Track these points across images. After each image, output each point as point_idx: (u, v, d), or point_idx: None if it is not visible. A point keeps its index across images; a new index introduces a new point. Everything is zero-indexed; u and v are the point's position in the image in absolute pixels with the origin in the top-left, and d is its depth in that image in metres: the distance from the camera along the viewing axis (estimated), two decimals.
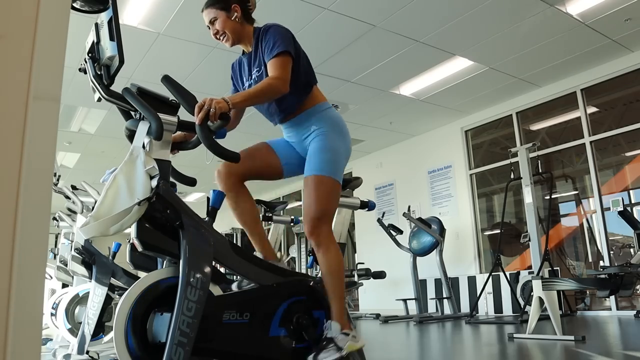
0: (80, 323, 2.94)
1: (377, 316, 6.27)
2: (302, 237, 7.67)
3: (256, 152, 1.96)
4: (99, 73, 1.53)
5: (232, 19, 1.84)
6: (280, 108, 1.90)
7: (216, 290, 1.54)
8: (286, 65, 1.74)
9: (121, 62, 1.49)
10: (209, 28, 1.89)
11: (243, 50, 1.98)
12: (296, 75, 1.82)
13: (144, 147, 1.52)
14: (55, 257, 4.48)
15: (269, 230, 4.43)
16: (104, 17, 1.49)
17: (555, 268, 5.23)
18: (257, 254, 1.86)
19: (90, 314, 2.72)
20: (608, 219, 5.48)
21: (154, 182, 1.46)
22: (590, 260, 6.52)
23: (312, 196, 1.79)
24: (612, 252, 5.66)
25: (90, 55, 1.55)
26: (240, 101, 1.61)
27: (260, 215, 3.72)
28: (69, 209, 3.41)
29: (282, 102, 1.87)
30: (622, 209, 4.70)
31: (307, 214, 1.79)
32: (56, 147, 0.59)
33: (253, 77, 1.89)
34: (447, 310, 6.05)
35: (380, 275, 6.69)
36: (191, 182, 1.77)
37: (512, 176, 5.53)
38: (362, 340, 1.72)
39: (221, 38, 1.88)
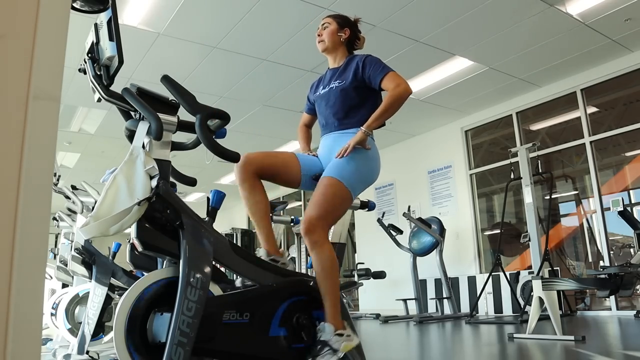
0: (80, 323, 2.94)
1: (377, 316, 6.27)
2: (303, 237, 7.66)
3: (279, 153, 2.10)
4: (98, 73, 1.53)
5: (338, 34, 2.17)
6: (345, 117, 2.06)
7: (216, 290, 1.54)
8: (398, 75, 2.00)
9: (120, 62, 1.49)
10: (318, 28, 2.20)
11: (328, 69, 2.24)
12: (377, 98, 2.10)
13: (143, 147, 1.52)
14: (55, 257, 4.48)
15: None
16: (103, 18, 1.49)
17: (555, 268, 5.23)
18: (262, 250, 1.86)
19: (90, 314, 2.73)
20: (608, 219, 5.48)
21: (154, 182, 1.46)
22: (590, 260, 6.52)
23: (320, 196, 1.82)
24: (612, 252, 5.66)
25: (89, 55, 1.55)
26: (375, 125, 1.95)
27: None
28: (69, 209, 3.41)
29: (352, 113, 2.05)
30: (622, 209, 4.70)
31: (307, 212, 1.80)
32: (56, 147, 0.59)
33: (331, 85, 2.11)
34: (447, 310, 6.05)
35: (380, 275, 6.71)
36: (191, 182, 1.78)
37: (512, 176, 5.53)
38: (357, 338, 1.70)
39: (319, 42, 2.18)
